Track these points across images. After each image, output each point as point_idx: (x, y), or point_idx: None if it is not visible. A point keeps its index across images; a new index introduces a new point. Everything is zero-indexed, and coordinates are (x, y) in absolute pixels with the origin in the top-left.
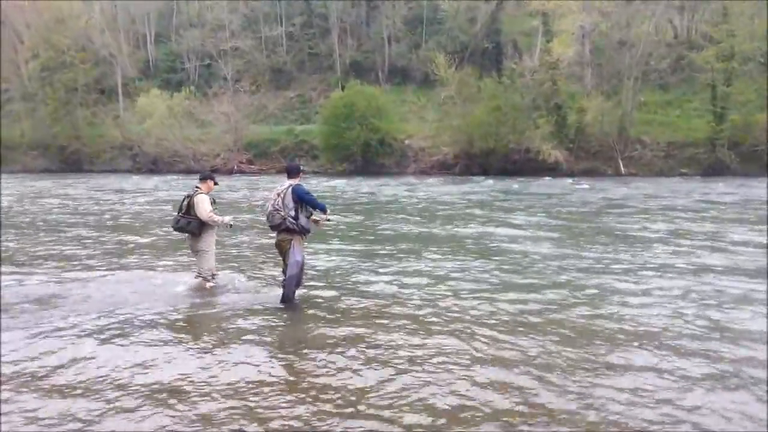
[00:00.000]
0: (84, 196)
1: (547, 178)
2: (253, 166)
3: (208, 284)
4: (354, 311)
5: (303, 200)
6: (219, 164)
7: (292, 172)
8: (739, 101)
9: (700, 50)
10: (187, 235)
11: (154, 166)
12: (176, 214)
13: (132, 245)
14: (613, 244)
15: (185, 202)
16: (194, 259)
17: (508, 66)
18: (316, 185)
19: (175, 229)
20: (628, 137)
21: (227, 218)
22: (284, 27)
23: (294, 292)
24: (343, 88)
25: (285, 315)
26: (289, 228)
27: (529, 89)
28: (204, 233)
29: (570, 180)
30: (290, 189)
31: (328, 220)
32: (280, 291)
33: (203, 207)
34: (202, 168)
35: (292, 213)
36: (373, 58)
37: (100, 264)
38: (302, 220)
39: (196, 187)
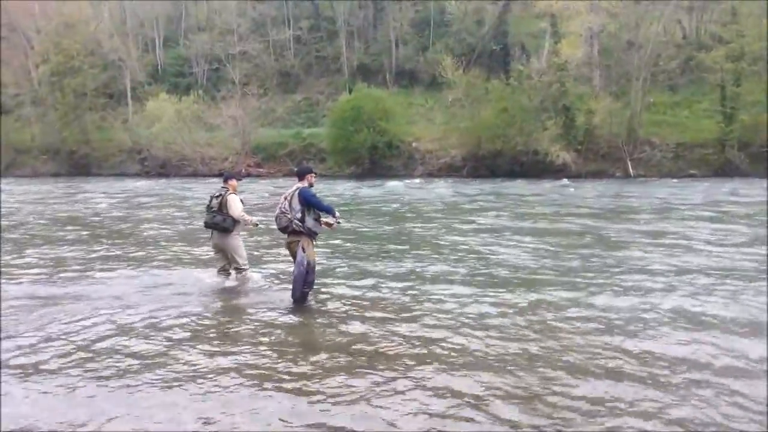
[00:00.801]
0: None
1: (546, 182)
2: (261, 170)
3: (246, 274)
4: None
5: (309, 203)
6: (227, 168)
7: (300, 175)
8: (748, 102)
9: (709, 51)
10: (214, 232)
11: (163, 170)
12: (208, 212)
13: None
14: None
15: (216, 201)
16: (217, 255)
17: (515, 68)
18: (321, 188)
19: (208, 226)
20: (637, 138)
21: (255, 219)
22: (292, 30)
23: (302, 292)
24: (350, 91)
25: (287, 315)
26: (295, 230)
27: (536, 91)
28: (234, 230)
29: (566, 180)
30: (297, 192)
31: (338, 222)
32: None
33: (236, 206)
34: (210, 171)
35: (299, 215)
36: (381, 61)
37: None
38: (309, 222)
39: (223, 187)
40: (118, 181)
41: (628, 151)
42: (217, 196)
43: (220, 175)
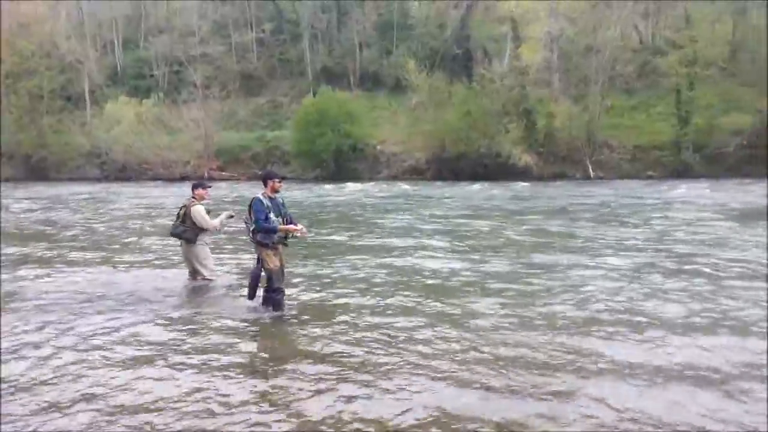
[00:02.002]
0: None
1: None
2: (224, 173)
3: (212, 282)
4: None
5: (255, 216)
6: (189, 171)
7: (263, 181)
8: (702, 105)
9: (664, 56)
10: (182, 242)
11: (123, 174)
12: (175, 221)
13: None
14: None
15: (182, 211)
16: (188, 261)
17: (478, 72)
18: (284, 191)
19: (172, 235)
20: (596, 141)
21: (223, 215)
22: (254, 32)
23: (274, 300)
24: (314, 94)
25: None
26: (253, 240)
27: (498, 94)
28: (199, 240)
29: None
30: (252, 201)
31: (294, 236)
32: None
33: (201, 217)
34: (171, 175)
35: (253, 227)
36: (345, 64)
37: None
38: (260, 234)
39: (192, 197)
40: (76, 185)
41: (587, 153)
42: (184, 206)
43: (182, 179)
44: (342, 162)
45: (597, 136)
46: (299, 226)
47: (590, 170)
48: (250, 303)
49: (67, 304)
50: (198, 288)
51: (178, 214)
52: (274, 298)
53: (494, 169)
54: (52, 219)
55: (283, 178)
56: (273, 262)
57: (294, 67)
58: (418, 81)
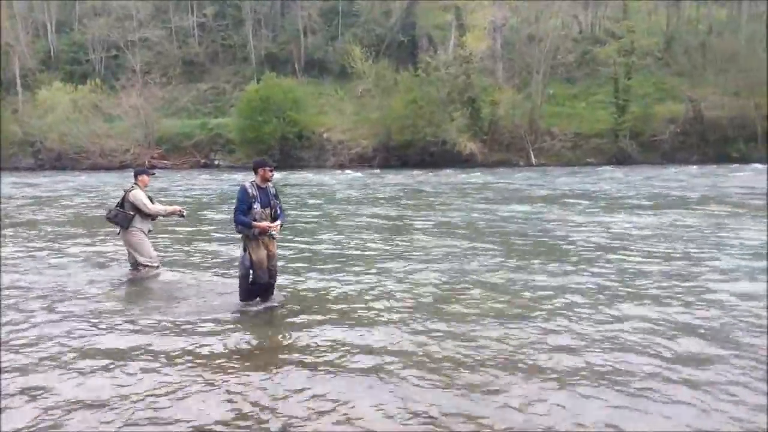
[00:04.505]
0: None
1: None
2: (166, 162)
3: (153, 271)
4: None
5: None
6: (129, 160)
7: (254, 169)
8: (639, 94)
9: (603, 45)
10: (119, 228)
11: (59, 163)
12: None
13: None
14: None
15: (122, 197)
16: (127, 250)
17: (423, 59)
18: (226, 179)
19: (107, 219)
20: (538, 129)
21: (170, 208)
22: (195, 17)
23: (248, 291)
24: (258, 81)
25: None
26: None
27: (444, 82)
28: (132, 227)
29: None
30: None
31: (272, 234)
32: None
33: (140, 201)
34: (110, 164)
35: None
36: (289, 50)
37: None
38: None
39: (134, 183)
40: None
41: (530, 141)
42: (125, 192)
43: (121, 167)
44: (288, 150)
45: (539, 124)
46: (274, 224)
47: (532, 158)
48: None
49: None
50: (139, 280)
51: (119, 201)
52: (258, 291)
53: (440, 157)
54: None
55: (275, 167)
56: (256, 253)
57: (237, 52)
58: (364, 68)
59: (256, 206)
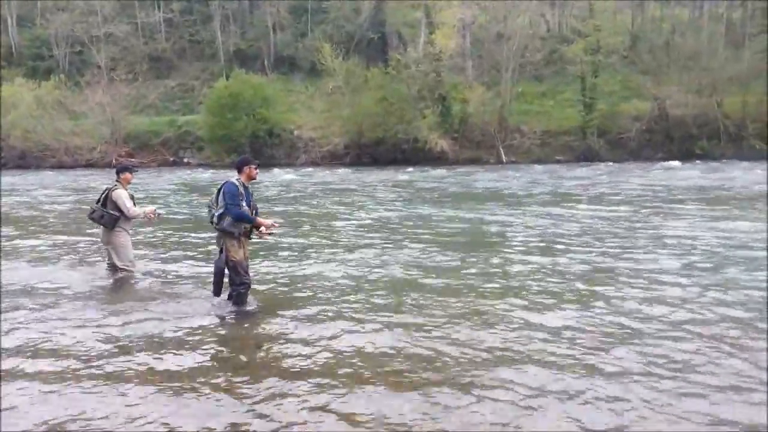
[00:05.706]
0: None
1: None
2: (133, 159)
3: (130, 275)
4: None
5: (225, 201)
6: (96, 158)
7: (238, 167)
8: (605, 92)
9: (570, 44)
10: (101, 227)
11: (22, 162)
12: (95, 204)
13: None
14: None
15: (104, 195)
16: (107, 249)
17: (393, 57)
18: (203, 178)
19: (90, 218)
20: (508, 126)
21: (148, 208)
22: (162, 12)
23: (237, 293)
24: (227, 77)
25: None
26: (217, 227)
27: (414, 80)
28: (117, 227)
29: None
30: (223, 185)
31: (270, 234)
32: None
33: (124, 203)
34: (76, 162)
35: (220, 211)
36: (258, 47)
37: None
38: (226, 222)
39: (116, 181)
40: None
41: (500, 139)
42: (107, 190)
43: (87, 165)
44: (259, 148)
45: (509, 122)
46: (271, 221)
47: (503, 155)
48: (214, 300)
49: None
50: (123, 281)
51: (99, 198)
52: (238, 292)
53: (412, 155)
54: None
55: (258, 165)
56: (238, 253)
57: (205, 48)
58: (334, 65)
59: (244, 205)
